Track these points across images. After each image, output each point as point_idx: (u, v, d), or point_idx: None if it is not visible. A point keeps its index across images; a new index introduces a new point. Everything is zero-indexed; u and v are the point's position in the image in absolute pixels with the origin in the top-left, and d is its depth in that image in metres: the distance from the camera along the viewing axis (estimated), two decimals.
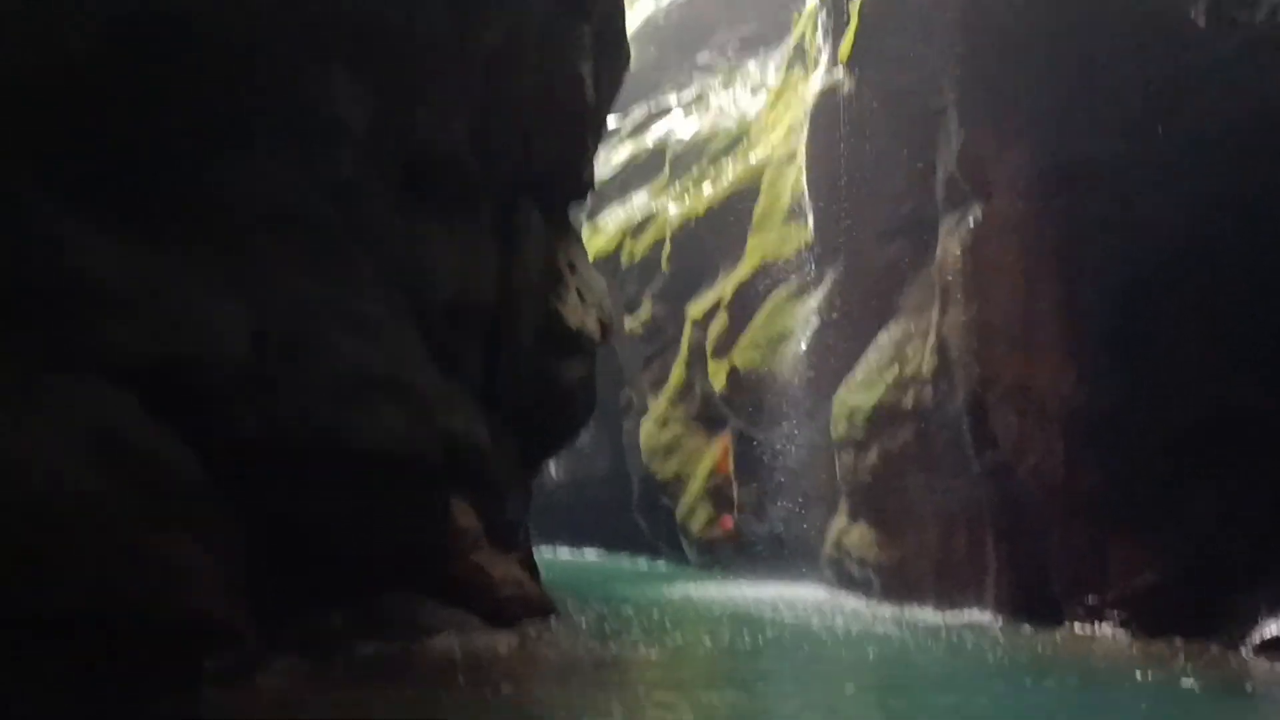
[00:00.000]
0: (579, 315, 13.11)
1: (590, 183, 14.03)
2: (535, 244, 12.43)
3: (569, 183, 13.20)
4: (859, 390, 16.86)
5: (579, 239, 14.88)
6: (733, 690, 8.09)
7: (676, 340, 26.11)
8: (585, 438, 35.14)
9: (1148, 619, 11.93)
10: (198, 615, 7.47)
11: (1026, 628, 12.74)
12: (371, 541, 9.91)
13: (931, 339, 15.29)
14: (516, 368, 12.29)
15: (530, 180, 12.27)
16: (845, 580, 17.16)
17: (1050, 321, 13.42)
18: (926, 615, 14.10)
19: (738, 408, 20.97)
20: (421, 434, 10.14)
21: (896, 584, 15.65)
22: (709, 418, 24.11)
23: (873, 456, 16.17)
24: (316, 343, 9.29)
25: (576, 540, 33.29)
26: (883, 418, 16.04)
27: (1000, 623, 13.52)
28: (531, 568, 14.51)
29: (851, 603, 15.64)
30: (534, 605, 11.19)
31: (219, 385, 8.62)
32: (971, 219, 14.37)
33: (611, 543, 31.51)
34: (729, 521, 22.57)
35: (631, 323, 27.77)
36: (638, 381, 28.20)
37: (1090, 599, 12.55)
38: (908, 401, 15.62)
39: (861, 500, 16.65)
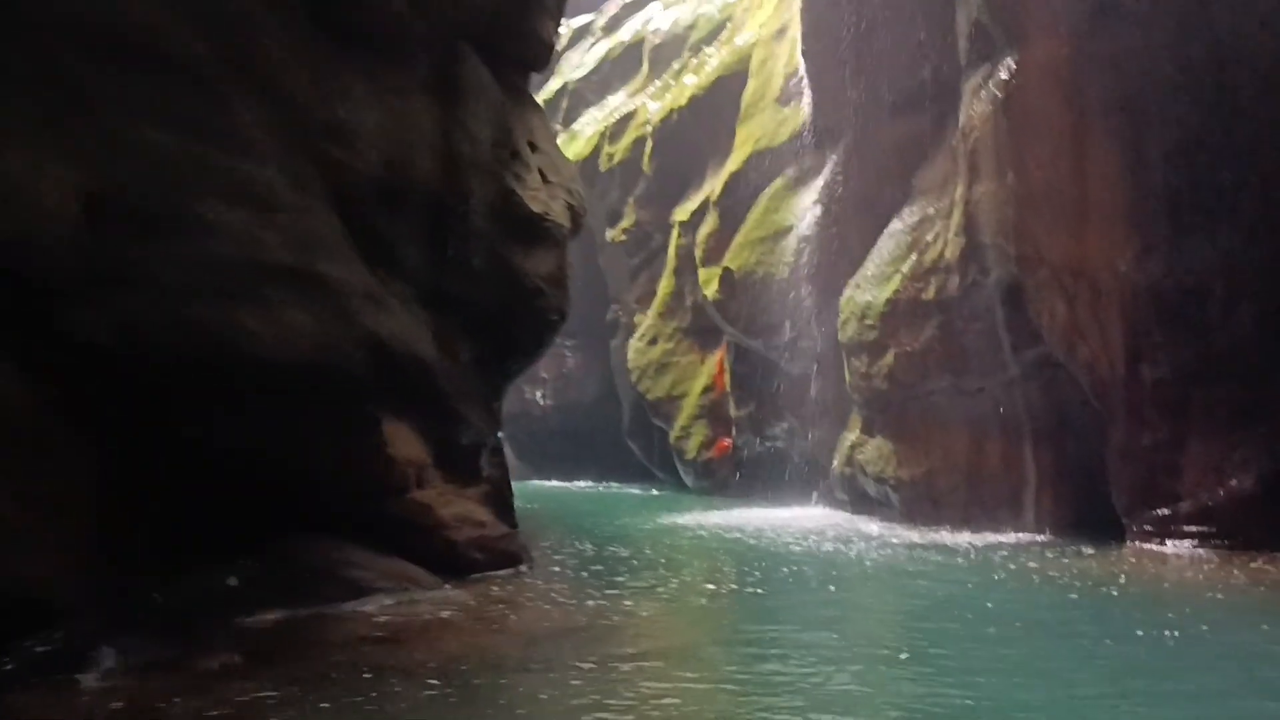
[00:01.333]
0: (543, 198, 10.77)
1: (549, 43, 11.53)
2: (484, 107, 10.04)
3: (521, 37, 10.74)
4: (871, 285, 14.60)
5: (540, 112, 12.42)
6: (760, 679, 5.33)
7: (663, 249, 23.75)
8: (571, 361, 33.10)
9: (1235, 533, 9.85)
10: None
11: (1083, 548, 10.64)
12: (276, 475, 7.74)
13: (956, 219, 12.99)
14: (468, 260, 9.99)
15: (472, 25, 9.83)
16: (859, 501, 15.09)
17: (1106, 186, 11.12)
18: (958, 538, 12.01)
19: (733, 316, 18.70)
20: (339, 338, 7.89)
21: (920, 503, 13.58)
22: (701, 331, 21.88)
23: (889, 359, 13.97)
24: (183, 217, 6.97)
25: (567, 471, 31.28)
26: (900, 314, 13.81)
27: (1045, 543, 11.44)
28: (501, 504, 12.38)
29: (869, 526, 13.57)
30: (499, 551, 9.07)
31: (43, 273, 6.33)
32: (1004, 71, 11.96)
33: (604, 471, 29.52)
34: (726, 442, 20.49)
35: (614, 233, 25.37)
36: (624, 297, 25.89)
37: (1160, 512, 10.44)
38: (929, 293, 13.37)
39: (877, 410, 14.49)
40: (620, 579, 8.43)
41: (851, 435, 15.13)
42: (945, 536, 12.11)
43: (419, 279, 9.80)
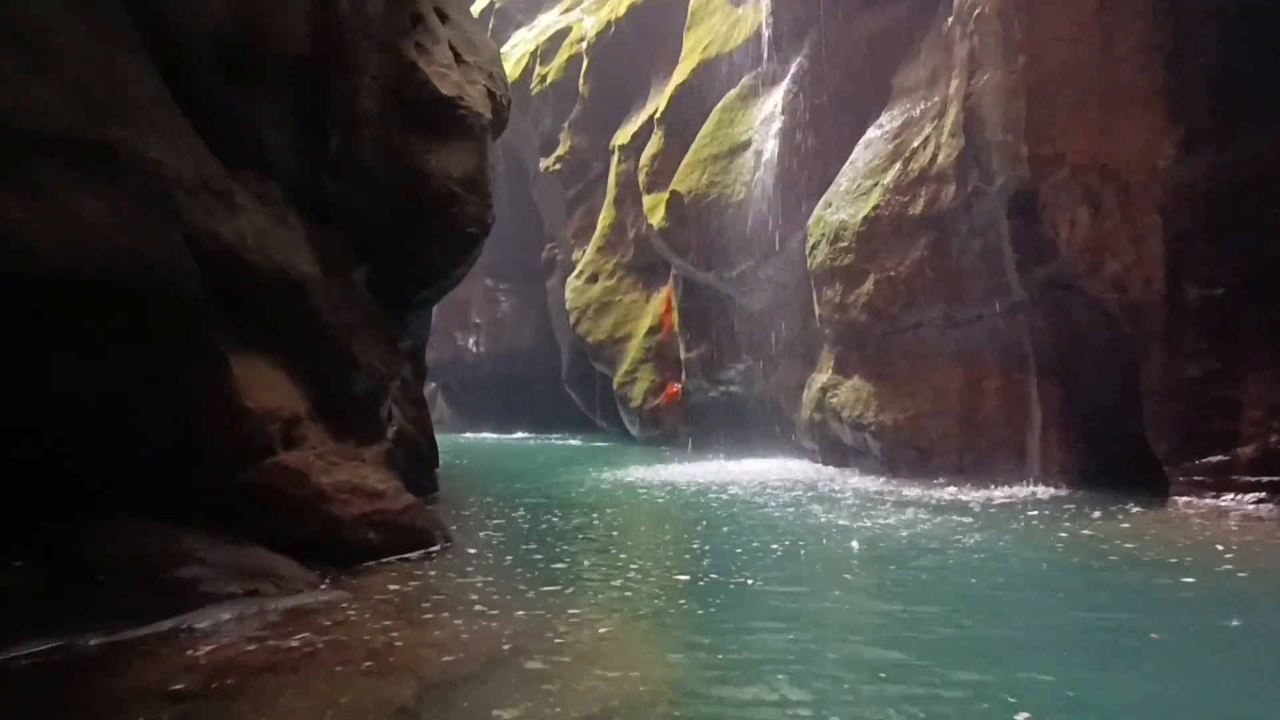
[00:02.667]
0: (455, 79, 8.42)
1: None
2: None
3: None
4: (845, 202, 12.49)
5: None
6: None
7: (603, 178, 21.44)
8: (505, 305, 30.64)
9: None
10: None
11: (1120, 505, 8.74)
12: (73, 435, 5.39)
13: (952, 117, 10.88)
14: (356, 154, 7.64)
15: None
16: (831, 450, 13.11)
17: (1141, 66, 9.08)
18: (958, 494, 10.09)
19: (681, 246, 16.47)
20: (155, 241, 5.52)
21: (904, 451, 11.62)
22: (646, 266, 19.66)
23: (868, 287, 11.91)
24: None
25: (503, 421, 29.01)
26: (881, 234, 11.73)
27: (1063, 498, 9.56)
28: (413, 467, 10.18)
29: (846, 480, 11.60)
30: (403, 528, 6.85)
31: None
32: None
33: (543, 422, 27.32)
34: (675, 388, 18.39)
35: (548, 162, 22.94)
36: (561, 233, 23.53)
37: (1213, 459, 8.56)
38: (917, 207, 11.29)
39: (853, 346, 12.45)
40: (561, 565, 6.25)
41: (822, 376, 13.09)
42: (943, 492, 10.16)
43: (292, 177, 7.46)
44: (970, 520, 8.07)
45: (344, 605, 5.16)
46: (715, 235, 15.68)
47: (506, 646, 4.22)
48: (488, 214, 8.91)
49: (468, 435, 27.97)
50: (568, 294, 21.39)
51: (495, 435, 26.79)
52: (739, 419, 16.71)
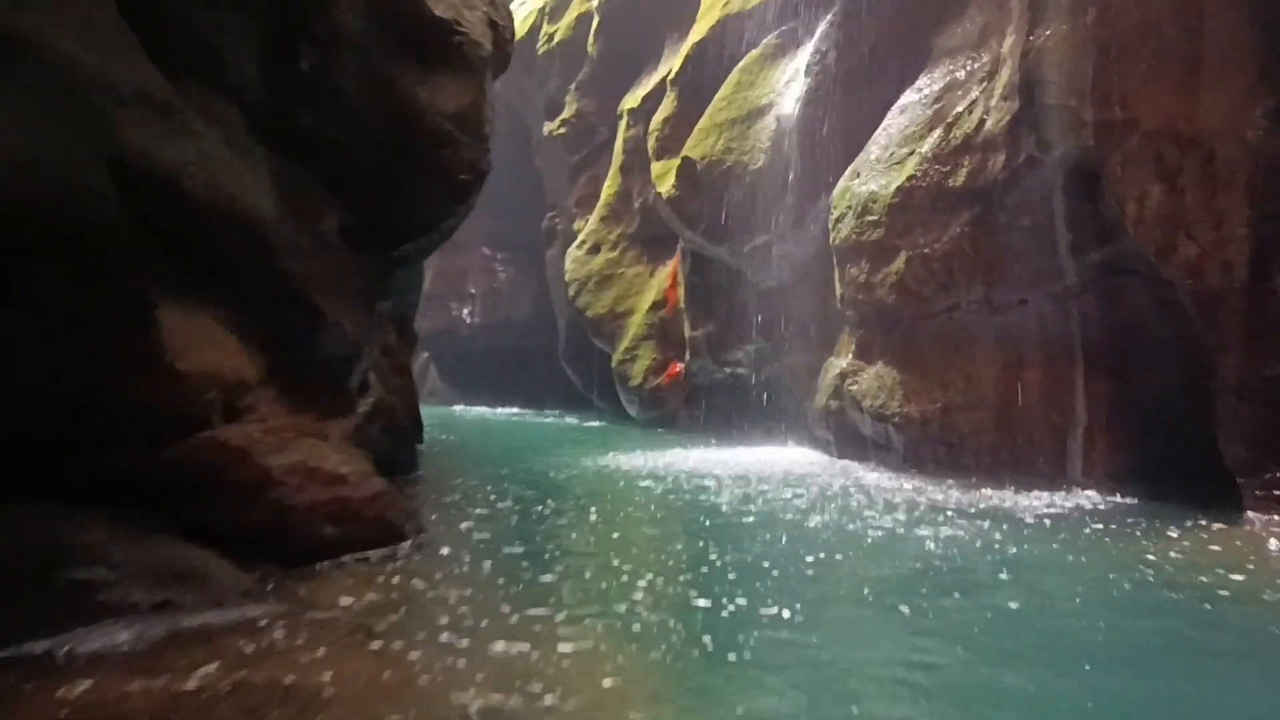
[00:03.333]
0: (451, 1, 7.25)
1: None
2: None
3: None
4: (876, 172, 11.34)
5: None
6: None
7: (609, 144, 20.22)
8: (503, 275, 29.43)
9: None
10: None
11: (1187, 519, 7.65)
12: None
13: (1005, 78, 9.72)
14: (333, 79, 6.49)
15: None
16: (848, 442, 12.00)
17: (1230, 21, 7.94)
18: (988, 497, 9.02)
19: (691, 217, 15.31)
20: (68, 158, 4.38)
21: (930, 447, 10.52)
22: (652, 238, 18.49)
23: (898, 265, 10.78)
24: None
25: (496, 396, 27.90)
26: (916, 207, 10.59)
27: (1118, 508, 8.49)
28: (389, 446, 9.10)
29: (866, 475, 10.51)
30: (368, 521, 5.75)
31: None
32: None
33: (537, 398, 26.19)
34: (678, 367, 17.26)
35: (552, 126, 21.71)
36: (563, 202, 22.32)
37: None
38: (958, 179, 10.15)
39: (879, 330, 11.33)
40: (551, 577, 5.14)
41: (841, 362, 11.98)
42: (977, 494, 9.07)
43: (256, 102, 6.30)
44: (1029, 533, 6.96)
45: (277, 624, 4.05)
46: (729, 206, 14.51)
47: (475, 706, 3.12)
48: (484, 160, 7.75)
49: (459, 408, 26.86)
50: (568, 265, 20.21)
51: (488, 410, 25.67)
52: (746, 404, 15.60)
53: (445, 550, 5.80)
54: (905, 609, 4.63)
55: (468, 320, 29.23)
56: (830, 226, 12.03)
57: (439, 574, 5.12)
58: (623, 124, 19.11)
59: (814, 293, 13.08)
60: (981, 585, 5.23)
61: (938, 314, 10.58)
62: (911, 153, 10.86)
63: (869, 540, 6.47)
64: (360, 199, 6.93)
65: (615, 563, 5.52)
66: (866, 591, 4.97)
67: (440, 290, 29.60)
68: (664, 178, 16.05)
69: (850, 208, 11.56)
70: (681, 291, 16.99)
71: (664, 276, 18.02)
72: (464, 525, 6.66)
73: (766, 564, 5.48)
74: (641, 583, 5.02)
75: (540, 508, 7.58)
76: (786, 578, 5.22)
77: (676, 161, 15.65)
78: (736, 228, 14.49)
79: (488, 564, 5.42)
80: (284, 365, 6.15)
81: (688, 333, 16.66)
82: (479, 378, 29.38)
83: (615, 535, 6.52)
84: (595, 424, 19.04)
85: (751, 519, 7.30)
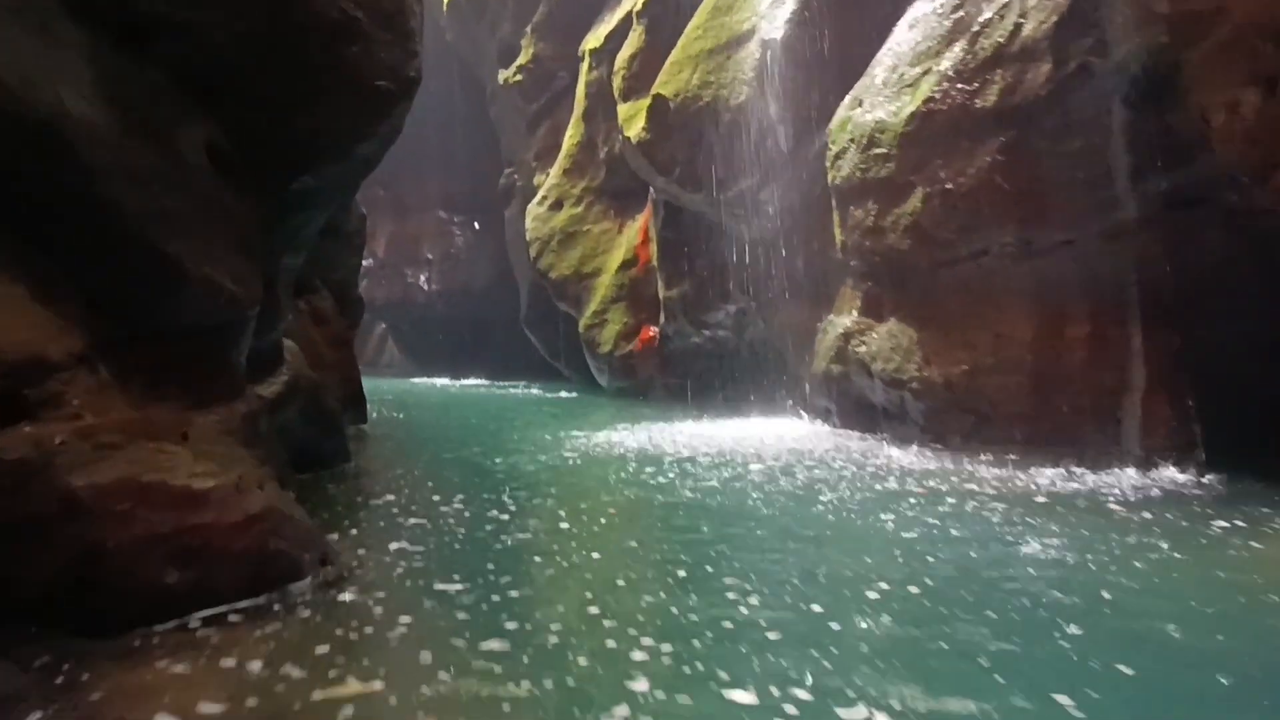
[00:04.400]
0: None
1: None
2: None
3: None
4: (884, 97, 9.60)
5: None
6: None
7: (570, 89, 18.31)
8: (460, 239, 27.44)
9: None
10: None
11: None
12: None
13: None
14: None
15: None
16: (854, 411, 10.33)
17: None
18: (1034, 477, 7.42)
19: (664, 162, 13.49)
20: None
21: (955, 416, 8.87)
22: (620, 191, 16.68)
23: (913, 204, 9.06)
24: None
25: (458, 368, 26.02)
26: (935, 135, 8.86)
27: (1210, 490, 6.90)
28: (312, 431, 7.34)
29: (880, 452, 8.86)
30: (234, 559, 3.93)
31: None
32: None
33: (501, 368, 24.35)
34: (651, 331, 15.54)
35: (508, 74, 19.74)
36: (521, 156, 20.38)
37: None
38: (988, 98, 8.41)
39: (891, 282, 9.62)
40: (498, 645, 3.33)
41: (844, 320, 10.27)
42: (1021, 474, 7.45)
43: None
44: (1134, 534, 5.29)
45: None
46: (707, 148, 12.70)
47: None
48: (408, 65, 5.86)
49: (417, 381, 24.97)
50: (528, 223, 18.35)
51: (449, 382, 23.82)
52: (729, 370, 13.90)
53: (354, 594, 4.02)
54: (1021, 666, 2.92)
55: (424, 288, 27.28)
56: (828, 164, 10.28)
57: (331, 642, 3.34)
58: (584, 67, 17.20)
59: (807, 243, 11.33)
60: (1092, 614, 3.56)
61: (961, 261, 8.88)
62: (927, 72, 9.11)
63: (918, 546, 4.78)
64: (235, 111, 5.04)
65: (594, 611, 3.76)
66: (943, 643, 3.22)
67: (394, 257, 27.61)
68: (632, 120, 14.20)
69: (852, 141, 9.81)
70: (654, 248, 15.21)
71: (634, 232, 16.23)
72: (392, 546, 4.87)
73: (814, 612, 3.73)
74: (644, 643, 3.27)
75: (496, 511, 5.81)
76: (836, 608, 3.50)
77: (647, 101, 13.80)
78: (715, 173, 12.68)
79: (409, 620, 3.63)
80: (120, 338, 4.30)
81: (662, 293, 14.90)
82: (439, 348, 27.50)
83: (594, 554, 4.76)
84: (563, 395, 17.26)
85: (758, 512, 5.59)
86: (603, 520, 5.60)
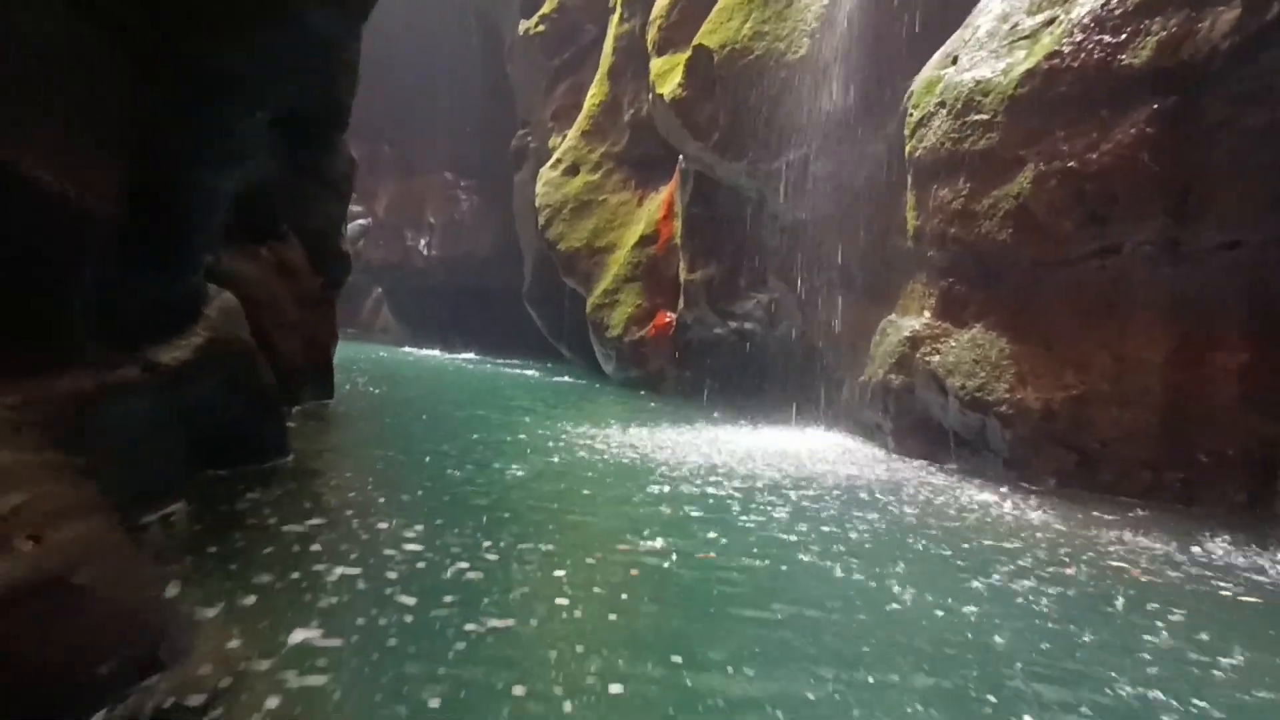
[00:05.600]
0: None
1: None
2: None
3: None
4: (987, 53, 7.65)
5: None
6: None
7: (597, 45, 16.30)
8: (466, 204, 25.38)
9: None
10: None
11: None
12: None
13: None
14: None
15: None
16: (915, 432, 8.40)
17: None
18: (1174, 546, 5.53)
19: (702, 124, 11.51)
20: None
21: (1054, 452, 6.96)
22: (643, 160, 14.69)
23: (1020, 184, 7.11)
24: None
25: (454, 340, 24.06)
26: (1059, 98, 6.90)
27: None
28: (238, 412, 5.49)
29: (952, 490, 6.91)
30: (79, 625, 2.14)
31: None
32: None
33: (499, 344, 22.39)
34: (668, 317, 13.61)
35: (530, 24, 17.72)
36: (538, 115, 18.36)
37: None
38: (1138, 52, 6.46)
39: (979, 279, 7.69)
40: None
41: (912, 321, 8.33)
42: (1182, 545, 5.51)
43: None
44: None
45: None
46: (754, 110, 10.73)
47: None
48: None
49: (409, 350, 23.03)
50: (539, 188, 16.36)
51: (442, 354, 21.89)
52: (755, 368, 11.99)
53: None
54: None
55: (424, 253, 25.29)
56: (907, 133, 8.32)
57: None
58: (614, 18, 15.18)
59: (867, 226, 9.38)
60: None
61: (1080, 260, 6.94)
62: (1052, 21, 7.15)
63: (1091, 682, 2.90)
64: None
65: None
66: None
67: (394, 219, 25.65)
68: (667, 76, 12.21)
69: (942, 104, 7.85)
70: (678, 224, 13.25)
71: (656, 206, 14.25)
72: (292, 639, 2.94)
73: None
74: None
75: (466, 564, 3.89)
76: None
77: (685, 55, 11.81)
78: (761, 139, 10.71)
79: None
80: None
81: (684, 275, 12.95)
82: (435, 317, 25.52)
83: (609, 692, 2.83)
84: (562, 379, 15.31)
85: (838, 612, 3.69)
86: (623, 596, 3.66)
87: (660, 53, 12.73)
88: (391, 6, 23.01)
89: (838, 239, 9.85)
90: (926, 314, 8.17)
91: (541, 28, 17.20)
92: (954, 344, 7.77)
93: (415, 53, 22.88)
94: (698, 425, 9.83)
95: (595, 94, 15.46)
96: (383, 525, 4.42)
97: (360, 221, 25.39)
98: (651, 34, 13.01)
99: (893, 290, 8.95)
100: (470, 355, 21.68)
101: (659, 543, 4.52)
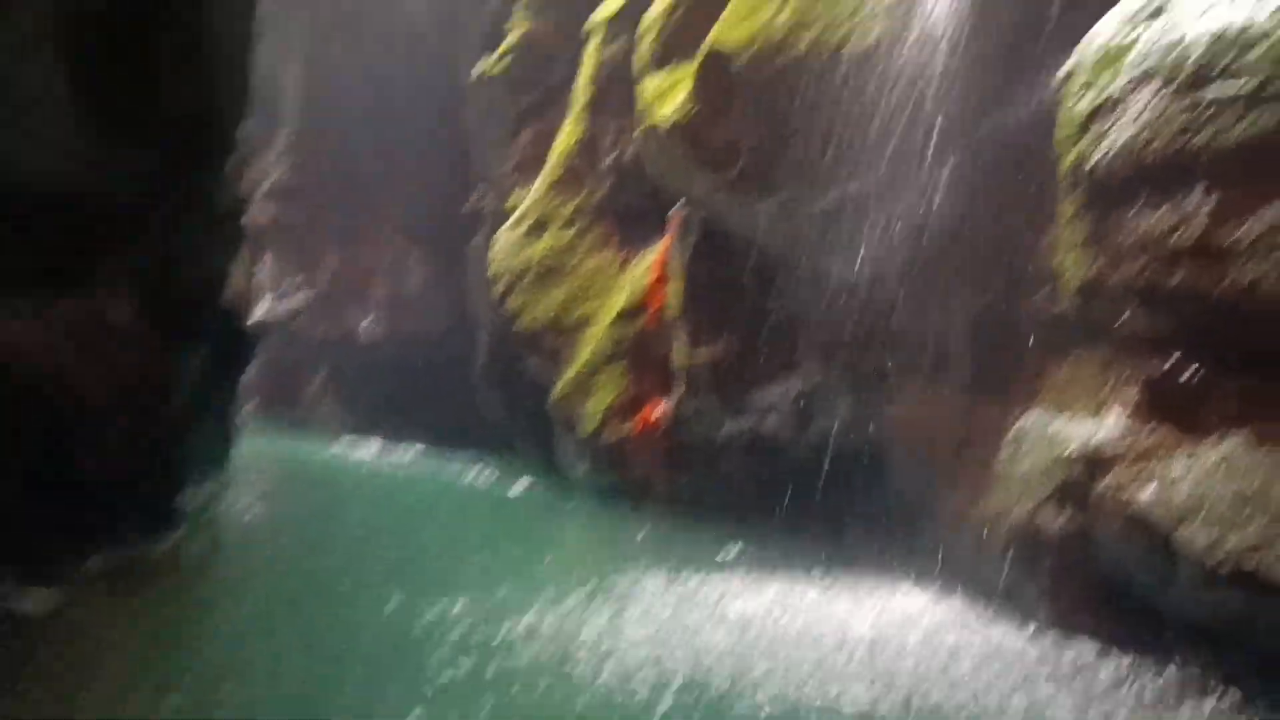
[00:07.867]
0: None
1: None
2: None
3: None
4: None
5: None
6: None
7: (568, 83, 13.22)
8: (416, 275, 21.92)
9: None
10: None
11: None
12: None
13: None
14: None
15: None
16: (1087, 605, 4.97)
17: None
18: None
19: (719, 153, 8.32)
20: None
21: None
22: (628, 211, 11.56)
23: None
24: None
25: (397, 430, 20.44)
26: None
27: None
28: None
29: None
30: None
31: None
32: None
33: (449, 433, 18.72)
34: (654, 410, 10.20)
35: (490, 62, 14.76)
36: (497, 169, 15.21)
37: None
38: None
39: (1225, 353, 4.36)
40: None
41: (1085, 424, 5.00)
42: None
43: None
44: None
45: None
46: (793, 127, 7.54)
47: None
48: None
49: (342, 448, 19.34)
50: (494, 252, 13.15)
51: (381, 451, 18.36)
52: (776, 481, 8.52)
53: None
54: None
55: (369, 329, 21.96)
56: (1065, 134, 5.14)
57: None
58: (593, 44, 12.18)
59: (974, 282, 6.12)
60: None
61: None
62: None
63: None
64: None
65: None
66: None
67: (338, 290, 22.35)
68: (667, 96, 9.12)
69: (1151, 76, 4.68)
70: (677, 288, 9.99)
71: (644, 269, 11.01)
72: None
73: None
74: None
75: None
76: None
77: (692, 66, 8.71)
78: (801, 168, 7.51)
79: None
80: None
81: (683, 355, 9.64)
82: (380, 402, 21.94)
83: None
84: (519, 490, 11.79)
85: None
86: None
87: (659, 66, 9.65)
88: (333, 51, 20.16)
89: (921, 302, 6.59)
90: (1115, 414, 4.85)
91: (504, 63, 14.19)
92: (1182, 468, 4.43)
93: (365, 101, 19.96)
94: (706, 575, 6.37)
95: (570, 133, 12.36)
96: None
97: (300, 294, 22.28)
98: (644, 47, 9.92)
99: (1025, 375, 5.67)
100: (418, 448, 18.14)
101: None
